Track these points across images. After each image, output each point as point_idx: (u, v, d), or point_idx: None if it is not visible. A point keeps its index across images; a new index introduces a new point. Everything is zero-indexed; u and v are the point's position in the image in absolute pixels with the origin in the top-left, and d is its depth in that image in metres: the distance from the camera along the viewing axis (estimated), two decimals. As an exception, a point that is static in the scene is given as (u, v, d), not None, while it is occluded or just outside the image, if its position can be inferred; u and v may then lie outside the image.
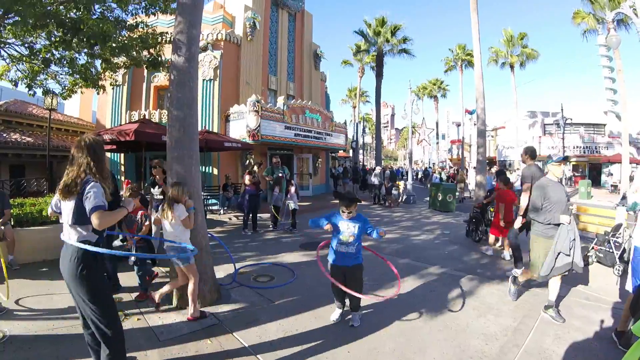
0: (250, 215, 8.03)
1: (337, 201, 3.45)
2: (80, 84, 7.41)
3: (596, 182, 25.15)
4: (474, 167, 14.19)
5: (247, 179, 8.03)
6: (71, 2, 6.00)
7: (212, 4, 14.54)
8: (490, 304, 3.96)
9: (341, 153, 27.72)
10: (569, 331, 3.29)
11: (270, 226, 8.44)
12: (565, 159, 4.15)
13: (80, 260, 2.19)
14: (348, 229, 3.31)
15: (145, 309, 3.69)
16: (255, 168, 8.32)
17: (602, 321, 3.51)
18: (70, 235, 2.24)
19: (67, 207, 2.24)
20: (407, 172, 18.25)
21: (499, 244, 6.43)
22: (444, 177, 20.11)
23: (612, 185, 22.16)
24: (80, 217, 2.19)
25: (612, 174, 24.20)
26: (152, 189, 5.86)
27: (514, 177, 12.19)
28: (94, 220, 2.11)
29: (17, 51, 6.70)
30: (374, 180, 14.92)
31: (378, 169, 16.27)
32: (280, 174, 8.44)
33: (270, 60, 15.55)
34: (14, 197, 6.85)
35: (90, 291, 2.22)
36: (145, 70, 12.99)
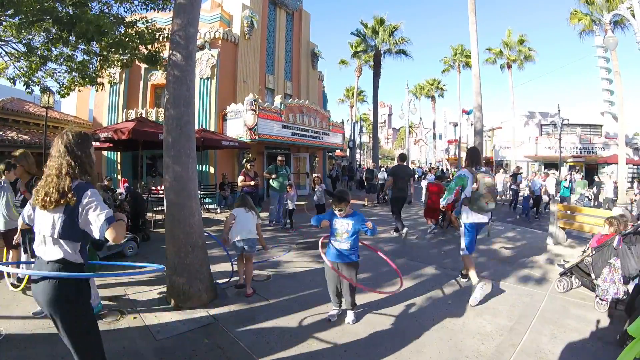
0: None
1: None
2: (78, 82, 7.38)
3: (593, 183, 25.23)
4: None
5: (240, 180, 8.11)
6: None
7: (209, 3, 14.46)
8: (486, 303, 3.96)
9: (338, 152, 27.69)
10: (565, 331, 3.30)
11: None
12: None
13: (62, 283, 1.75)
14: (342, 226, 3.41)
15: (141, 307, 3.68)
16: (248, 166, 8.29)
17: (598, 321, 3.52)
18: (50, 252, 1.79)
19: (49, 218, 1.78)
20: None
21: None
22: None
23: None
24: (69, 230, 1.77)
25: (609, 176, 24.27)
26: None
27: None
28: (111, 235, 1.72)
29: (14, 49, 6.65)
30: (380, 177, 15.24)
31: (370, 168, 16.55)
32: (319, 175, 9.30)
33: (267, 59, 15.51)
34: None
35: (72, 321, 1.80)
36: (143, 69, 12.96)
